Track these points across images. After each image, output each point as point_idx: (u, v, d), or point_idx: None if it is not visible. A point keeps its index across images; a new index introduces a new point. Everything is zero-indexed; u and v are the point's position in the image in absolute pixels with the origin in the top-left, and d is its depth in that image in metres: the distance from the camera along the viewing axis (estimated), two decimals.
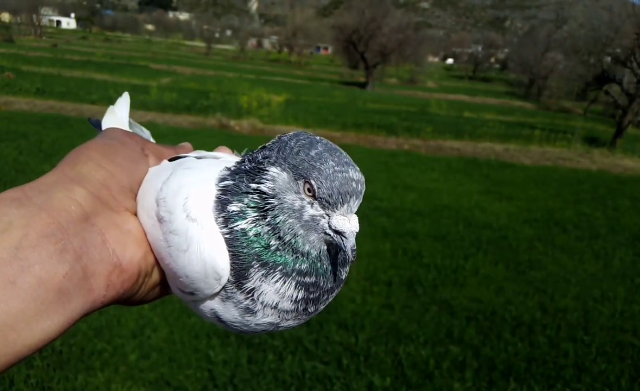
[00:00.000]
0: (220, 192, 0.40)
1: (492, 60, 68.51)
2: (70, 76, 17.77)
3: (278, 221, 0.38)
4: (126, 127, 0.56)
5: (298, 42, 48.33)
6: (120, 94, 0.62)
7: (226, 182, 0.40)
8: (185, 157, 0.48)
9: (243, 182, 0.40)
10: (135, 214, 0.42)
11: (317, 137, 0.41)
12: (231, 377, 2.76)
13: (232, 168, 0.42)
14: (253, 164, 0.41)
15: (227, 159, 0.46)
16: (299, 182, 0.39)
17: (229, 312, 0.40)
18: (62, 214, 0.34)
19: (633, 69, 13.38)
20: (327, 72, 39.67)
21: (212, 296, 0.40)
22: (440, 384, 2.90)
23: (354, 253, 0.38)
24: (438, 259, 4.69)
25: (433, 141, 11.67)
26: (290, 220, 0.39)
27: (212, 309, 0.41)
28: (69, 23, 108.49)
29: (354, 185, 0.39)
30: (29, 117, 9.74)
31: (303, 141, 0.40)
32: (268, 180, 0.39)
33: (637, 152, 12.13)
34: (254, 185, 0.39)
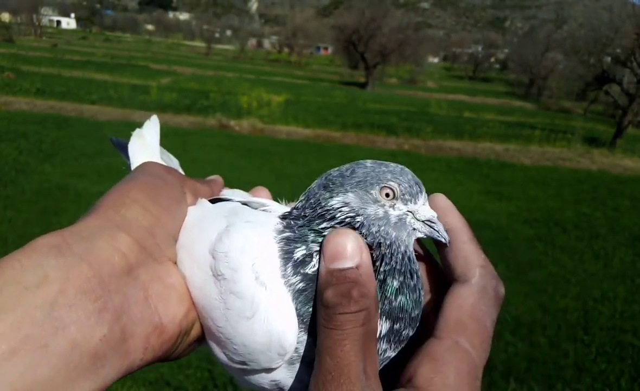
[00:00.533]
0: (284, 245, 0.37)
1: (492, 60, 68.52)
2: (70, 76, 17.77)
3: (373, 231, 0.37)
4: (158, 156, 0.52)
5: (298, 42, 48.33)
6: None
7: (288, 234, 0.38)
8: (230, 201, 0.45)
9: (311, 226, 0.37)
10: (175, 263, 0.39)
11: (350, 164, 0.41)
12: (231, 377, 2.76)
13: (289, 219, 0.39)
14: (309, 210, 0.38)
15: (276, 209, 0.42)
16: (373, 191, 0.38)
17: (300, 376, 0.37)
18: (105, 266, 0.32)
19: (633, 69, 13.38)
20: (327, 72, 39.67)
21: (270, 369, 0.37)
22: None
23: (446, 236, 0.38)
24: (438, 259, 4.68)
25: (433, 141, 11.66)
26: (383, 227, 0.37)
27: (273, 380, 0.37)
28: (69, 23, 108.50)
29: (417, 178, 0.40)
30: (29, 117, 9.74)
31: (345, 167, 0.40)
32: (340, 208, 0.37)
33: (637, 152, 12.13)
34: (325, 224, 0.37)
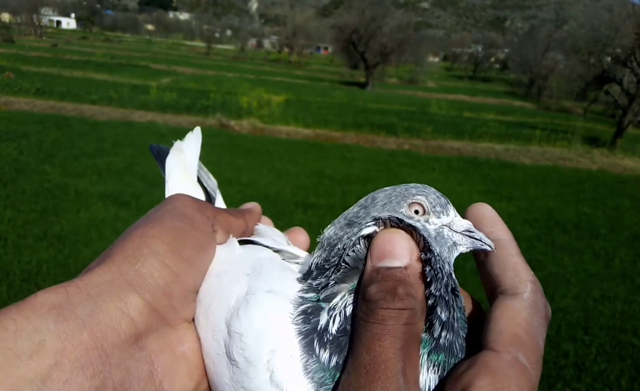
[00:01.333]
0: (302, 322, 0.34)
1: (492, 60, 68.53)
2: (70, 76, 17.78)
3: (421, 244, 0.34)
4: (194, 177, 0.50)
5: (298, 42, 48.34)
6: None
7: (306, 307, 0.34)
8: (258, 245, 0.42)
9: (336, 277, 0.34)
10: (193, 320, 0.36)
11: (365, 197, 0.38)
12: None
13: (311, 279, 0.36)
14: (335, 258, 0.35)
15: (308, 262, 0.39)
16: (402, 210, 0.35)
17: None
18: (109, 334, 0.28)
19: (633, 69, 13.38)
20: (327, 72, 39.67)
21: None
22: None
23: (491, 243, 0.35)
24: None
25: (433, 141, 11.66)
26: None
27: None
28: (69, 23, 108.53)
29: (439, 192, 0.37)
30: (29, 117, 9.74)
31: (362, 200, 0.37)
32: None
33: (638, 152, 12.13)
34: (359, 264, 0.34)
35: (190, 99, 13.85)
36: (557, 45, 32.38)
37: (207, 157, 7.90)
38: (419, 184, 0.37)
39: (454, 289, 0.33)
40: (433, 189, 0.37)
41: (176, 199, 0.39)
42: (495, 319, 0.31)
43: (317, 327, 0.33)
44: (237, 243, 0.42)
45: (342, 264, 0.34)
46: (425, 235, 0.34)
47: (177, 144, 0.51)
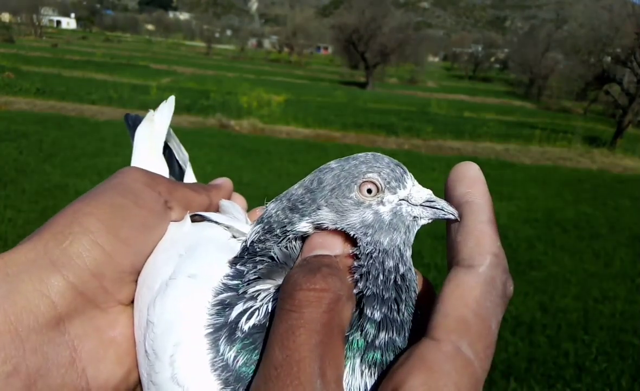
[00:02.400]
0: (216, 315, 0.31)
1: (492, 60, 68.54)
2: (70, 76, 17.78)
3: (365, 243, 0.31)
4: (160, 149, 0.48)
5: (298, 42, 48.34)
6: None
7: (225, 296, 0.31)
8: (210, 221, 0.39)
9: (264, 269, 0.32)
10: (131, 304, 0.34)
11: (312, 174, 0.35)
12: None
13: (241, 263, 0.33)
14: (272, 243, 0.32)
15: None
16: (352, 194, 0.31)
17: None
18: (24, 317, 0.26)
19: (633, 68, 13.38)
20: (327, 72, 39.66)
21: None
22: None
23: (454, 211, 0.32)
24: (438, 259, 4.69)
25: (433, 141, 11.67)
26: (375, 235, 0.31)
27: None
28: (69, 23, 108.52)
29: (394, 159, 0.34)
30: (29, 117, 9.74)
31: (308, 179, 0.34)
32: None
33: (638, 152, 12.12)
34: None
35: (190, 99, 13.85)
36: (557, 45, 32.37)
37: (207, 157, 7.91)
38: (369, 156, 0.33)
39: (398, 284, 0.31)
40: (387, 160, 0.33)
41: (125, 173, 0.36)
42: (444, 298, 0.27)
43: (228, 321, 0.30)
44: (190, 220, 0.39)
45: (272, 258, 0.32)
46: (359, 236, 0.31)
47: (149, 114, 0.49)
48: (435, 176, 8.39)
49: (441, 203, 0.32)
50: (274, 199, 0.34)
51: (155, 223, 0.35)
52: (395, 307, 0.30)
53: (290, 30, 49.31)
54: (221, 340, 0.29)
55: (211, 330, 0.30)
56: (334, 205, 0.31)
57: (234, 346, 0.29)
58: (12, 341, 0.25)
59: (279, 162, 8.06)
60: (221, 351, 0.29)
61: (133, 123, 0.50)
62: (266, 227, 0.33)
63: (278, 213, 0.33)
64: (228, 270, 0.33)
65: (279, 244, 0.32)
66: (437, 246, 5.03)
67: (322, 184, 0.32)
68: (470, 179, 0.32)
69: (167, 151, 0.51)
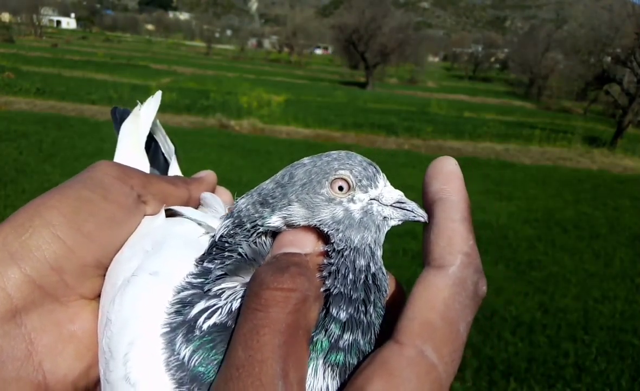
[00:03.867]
0: (175, 313, 0.30)
1: (492, 60, 68.55)
2: (70, 76, 17.78)
3: (337, 239, 0.31)
4: (142, 145, 0.47)
5: (298, 42, 48.36)
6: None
7: (185, 294, 0.30)
8: (182, 218, 0.38)
9: (232, 265, 0.31)
10: (95, 298, 0.33)
11: (284, 169, 0.34)
12: None
13: (208, 259, 0.32)
14: (242, 237, 0.31)
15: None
16: (323, 190, 0.31)
17: None
18: None
19: (633, 68, 13.38)
20: (327, 72, 39.67)
21: None
22: None
23: (423, 214, 0.31)
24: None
25: (433, 141, 11.67)
26: (346, 231, 0.31)
27: None
28: (69, 23, 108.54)
29: (368, 159, 0.33)
30: (29, 117, 9.74)
31: (280, 174, 0.33)
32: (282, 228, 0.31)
33: (638, 152, 12.13)
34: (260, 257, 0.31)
35: (190, 99, 13.85)
36: (557, 45, 32.39)
37: (207, 157, 7.92)
38: (342, 153, 0.33)
39: (367, 283, 0.30)
40: (359, 158, 0.33)
41: (97, 167, 0.36)
42: (411, 300, 0.27)
43: (186, 319, 0.29)
44: (164, 214, 0.38)
45: (240, 254, 0.31)
46: (332, 232, 0.30)
47: (136, 109, 0.49)
48: None
49: (411, 204, 0.32)
50: (243, 196, 0.34)
51: (124, 218, 0.34)
52: (363, 308, 0.30)
53: (290, 30, 49.32)
54: (177, 338, 0.29)
55: (167, 329, 0.29)
56: (305, 200, 0.31)
57: (190, 345, 0.28)
58: None
59: (279, 162, 8.06)
60: (177, 350, 0.28)
61: (120, 117, 0.50)
62: (236, 221, 0.32)
63: (248, 207, 0.32)
64: (194, 268, 0.32)
65: (248, 240, 0.31)
66: None
67: (294, 179, 0.32)
68: (446, 174, 0.31)
69: (153, 144, 0.51)
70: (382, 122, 13.27)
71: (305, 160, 0.33)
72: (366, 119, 13.55)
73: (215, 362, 0.28)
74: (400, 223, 0.33)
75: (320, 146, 9.99)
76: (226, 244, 0.31)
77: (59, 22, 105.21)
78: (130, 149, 0.47)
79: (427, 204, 0.31)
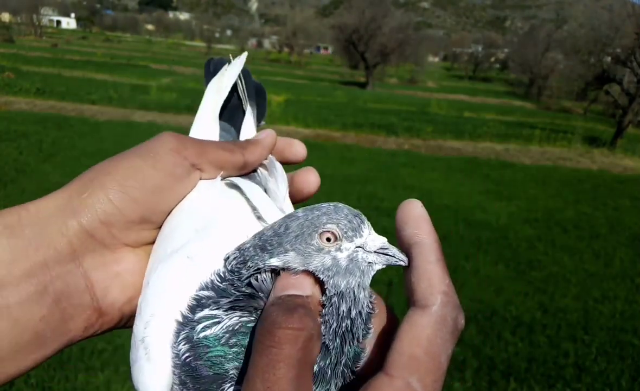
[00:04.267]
0: (196, 305, 0.34)
1: (492, 60, 68.53)
2: (70, 76, 17.78)
3: (329, 285, 0.34)
4: (220, 102, 0.51)
5: (298, 42, 48.35)
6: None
7: (208, 294, 0.34)
8: (238, 192, 0.42)
9: (239, 293, 0.34)
10: (142, 246, 0.40)
11: (281, 219, 0.37)
12: None
13: (220, 277, 0.35)
14: (245, 271, 0.35)
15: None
16: (313, 241, 0.35)
17: None
18: (50, 252, 0.34)
19: (633, 68, 13.38)
20: (327, 72, 39.67)
21: None
22: None
23: (404, 258, 0.35)
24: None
25: (433, 141, 11.67)
26: (333, 278, 0.34)
27: None
28: (69, 23, 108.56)
29: (354, 210, 0.37)
30: (29, 117, 9.74)
31: (278, 224, 0.36)
32: (282, 269, 0.35)
33: (638, 152, 12.13)
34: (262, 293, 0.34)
35: (190, 99, 13.84)
36: (557, 45, 32.39)
37: None
38: (331, 207, 0.36)
39: (346, 331, 0.34)
40: (346, 211, 0.36)
41: (158, 139, 0.41)
42: (399, 337, 0.31)
43: (194, 318, 0.34)
44: (219, 181, 0.43)
45: (242, 290, 0.35)
46: (324, 278, 0.34)
47: (224, 68, 0.52)
48: (435, 176, 8.40)
49: (393, 250, 0.36)
50: (250, 238, 0.38)
51: (171, 185, 0.40)
52: (335, 359, 0.33)
53: (290, 30, 49.31)
54: (182, 332, 0.33)
55: (180, 320, 0.34)
56: (299, 250, 0.35)
57: (187, 343, 0.33)
58: (41, 269, 0.33)
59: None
60: (178, 342, 0.33)
61: (214, 69, 0.54)
62: (240, 258, 0.36)
63: (250, 248, 0.36)
64: (222, 267, 0.36)
65: (252, 275, 0.35)
66: None
67: (288, 231, 0.35)
68: (416, 219, 0.35)
69: (235, 96, 0.55)
70: (382, 122, 13.27)
71: (299, 213, 0.37)
72: (366, 119, 13.55)
73: (204, 365, 0.33)
74: (383, 266, 0.36)
75: (321, 146, 10.00)
76: (235, 272, 0.36)
77: (59, 22, 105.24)
78: (207, 110, 0.51)
79: (403, 247, 0.35)
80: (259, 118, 0.56)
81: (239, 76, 0.53)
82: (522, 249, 5.24)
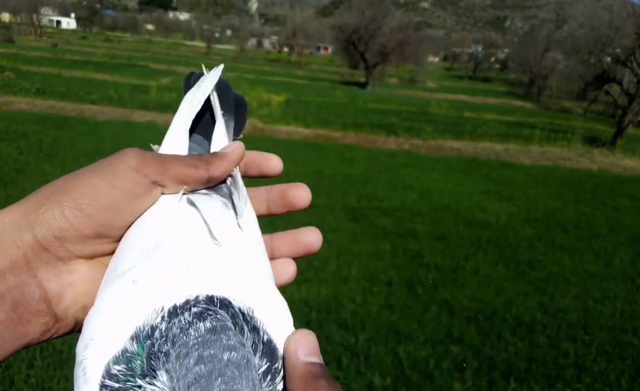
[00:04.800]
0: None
1: (492, 60, 68.52)
2: (70, 76, 17.77)
3: None
4: (192, 115, 0.49)
5: (298, 42, 48.35)
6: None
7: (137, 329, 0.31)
8: (197, 204, 0.40)
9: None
10: (91, 258, 0.40)
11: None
12: None
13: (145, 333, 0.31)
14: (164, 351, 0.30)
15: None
16: None
17: None
18: (6, 262, 0.36)
19: (633, 68, 13.38)
20: (327, 72, 39.66)
21: None
22: (440, 384, 2.90)
23: None
24: (438, 259, 4.69)
25: (433, 141, 11.67)
26: None
27: None
28: (69, 23, 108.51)
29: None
30: (29, 117, 9.74)
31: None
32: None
33: (638, 152, 12.13)
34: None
35: None
36: (557, 45, 32.38)
37: None
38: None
39: None
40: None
41: (119, 156, 0.41)
42: None
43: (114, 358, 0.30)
44: (179, 197, 0.41)
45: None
46: None
47: (200, 79, 0.51)
48: (435, 176, 8.40)
49: None
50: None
51: (127, 203, 0.40)
52: None
53: (290, 30, 49.31)
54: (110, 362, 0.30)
55: (110, 356, 0.31)
56: None
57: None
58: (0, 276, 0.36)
59: None
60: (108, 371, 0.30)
61: (194, 83, 0.51)
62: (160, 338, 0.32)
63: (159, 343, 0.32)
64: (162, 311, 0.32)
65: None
66: (437, 246, 5.03)
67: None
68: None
69: (209, 109, 0.52)
70: (382, 122, 13.27)
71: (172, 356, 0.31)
72: (366, 119, 13.55)
73: None
74: None
75: (321, 146, 10.00)
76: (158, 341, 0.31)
77: (59, 22, 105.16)
78: (178, 123, 0.49)
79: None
80: (237, 131, 0.53)
81: (214, 88, 0.51)
82: (522, 249, 5.24)
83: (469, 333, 3.46)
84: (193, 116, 0.49)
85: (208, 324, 0.29)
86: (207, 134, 0.51)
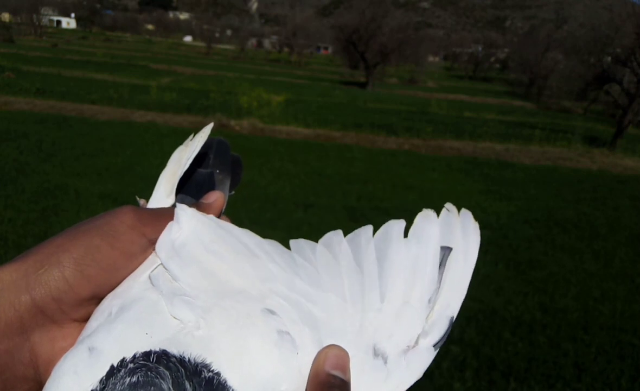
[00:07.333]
0: None
1: (492, 60, 68.48)
2: (70, 76, 17.77)
3: None
4: (179, 173, 0.49)
5: (298, 42, 48.33)
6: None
7: None
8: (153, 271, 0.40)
9: None
10: (87, 321, 0.40)
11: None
12: None
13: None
14: None
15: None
16: None
17: None
18: (1, 323, 0.35)
19: (633, 68, 13.38)
20: (327, 72, 39.66)
21: None
22: (440, 384, 2.90)
23: None
24: None
25: (433, 141, 11.67)
26: None
27: None
28: (69, 23, 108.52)
29: None
30: (29, 117, 9.74)
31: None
32: None
33: (638, 152, 12.13)
34: None
35: (190, 99, 13.85)
36: (557, 45, 32.39)
37: None
38: None
39: None
40: None
41: (116, 214, 0.41)
42: None
43: None
44: (158, 261, 0.40)
45: None
46: None
47: (188, 139, 0.52)
48: (436, 176, 8.39)
49: None
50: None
51: (126, 263, 0.40)
52: None
53: (290, 30, 49.29)
54: None
55: None
56: None
57: None
58: None
59: (278, 163, 8.06)
60: None
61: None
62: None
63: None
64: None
65: None
66: None
67: None
68: None
69: (203, 167, 0.54)
70: (382, 122, 13.27)
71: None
72: (366, 119, 13.55)
73: None
74: None
75: (321, 146, 9.99)
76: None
77: (59, 22, 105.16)
78: (163, 182, 0.50)
79: None
80: (232, 188, 0.55)
81: (209, 145, 0.52)
82: (522, 249, 5.24)
83: (469, 332, 3.46)
84: (180, 175, 0.49)
85: (134, 379, 0.30)
86: (196, 194, 0.51)
